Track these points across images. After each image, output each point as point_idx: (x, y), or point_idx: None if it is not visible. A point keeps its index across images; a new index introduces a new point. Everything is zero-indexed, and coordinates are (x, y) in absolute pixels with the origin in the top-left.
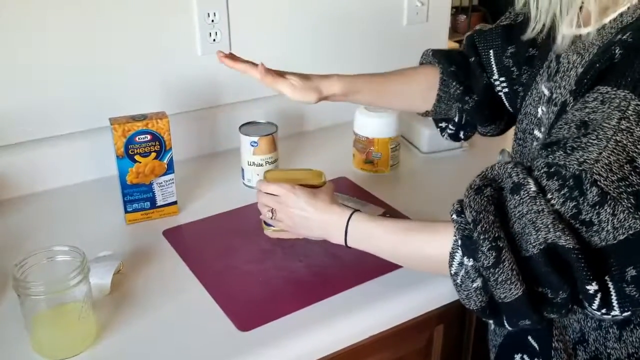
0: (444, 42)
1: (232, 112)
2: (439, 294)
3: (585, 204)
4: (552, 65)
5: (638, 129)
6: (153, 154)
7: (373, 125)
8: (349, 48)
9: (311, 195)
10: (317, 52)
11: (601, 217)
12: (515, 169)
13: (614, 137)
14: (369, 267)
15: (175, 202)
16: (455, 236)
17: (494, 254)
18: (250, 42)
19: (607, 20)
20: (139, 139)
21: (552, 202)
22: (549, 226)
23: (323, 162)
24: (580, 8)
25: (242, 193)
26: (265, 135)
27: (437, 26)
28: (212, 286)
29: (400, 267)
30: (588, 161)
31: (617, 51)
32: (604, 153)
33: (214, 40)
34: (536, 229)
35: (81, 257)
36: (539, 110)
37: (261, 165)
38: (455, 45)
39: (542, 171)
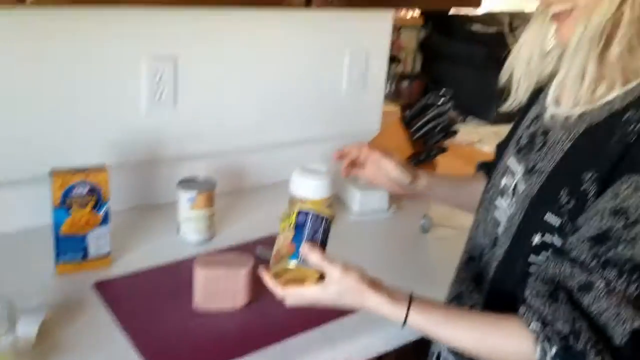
0: (378, 111)
1: (174, 167)
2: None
3: None
4: (523, 141)
5: None
6: (90, 206)
7: (308, 186)
8: (293, 113)
9: (360, 296)
10: (262, 115)
11: None
12: (574, 269)
13: None
14: (293, 323)
15: (108, 254)
16: (548, 350)
17: (599, 358)
18: (197, 104)
19: (598, 102)
20: (77, 190)
21: (620, 291)
22: (632, 315)
23: (260, 219)
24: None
25: (176, 247)
26: (203, 191)
27: (373, 95)
28: (140, 341)
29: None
30: (636, 248)
31: (632, 139)
32: None
33: (160, 97)
34: (622, 320)
35: (7, 306)
36: (502, 181)
37: (197, 220)
38: (395, 109)
39: (595, 264)
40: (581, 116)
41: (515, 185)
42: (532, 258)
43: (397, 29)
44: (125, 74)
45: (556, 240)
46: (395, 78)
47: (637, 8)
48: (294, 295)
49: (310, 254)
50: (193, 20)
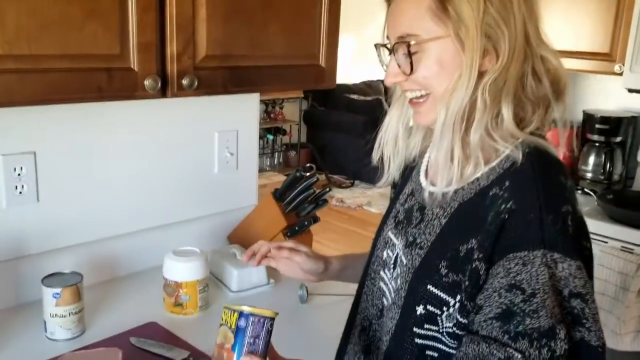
0: (253, 186)
1: (37, 263)
2: None
3: (552, 342)
4: (400, 215)
5: (558, 271)
6: None
7: (180, 269)
8: (166, 196)
9: None
10: (131, 202)
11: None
12: (491, 347)
13: (550, 290)
14: None
15: None
16: None
17: None
18: (61, 196)
19: (467, 180)
20: None
21: (534, 357)
22: None
23: (133, 307)
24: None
25: (43, 347)
26: (69, 285)
27: (246, 172)
28: None
29: None
30: (540, 318)
31: (506, 217)
32: (547, 304)
33: (20, 192)
34: None
35: None
36: (384, 253)
37: (64, 316)
38: (280, 179)
39: (507, 338)
40: (455, 192)
41: (396, 258)
42: (417, 329)
43: (280, 102)
44: None
45: (438, 312)
46: (282, 149)
47: (487, 95)
48: None
49: None
50: (49, 115)
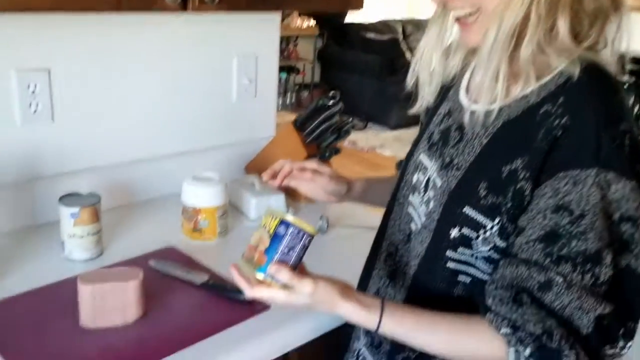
0: (272, 116)
1: (53, 184)
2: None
3: (597, 268)
4: (435, 137)
5: (610, 192)
6: None
7: (200, 194)
8: (183, 122)
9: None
10: (148, 126)
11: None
12: (531, 269)
13: (600, 212)
14: (188, 334)
15: None
16: (521, 352)
17: (573, 351)
18: (77, 116)
19: (514, 98)
20: None
21: (578, 283)
22: (593, 304)
23: (151, 231)
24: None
25: (62, 267)
26: (87, 205)
27: (265, 101)
28: None
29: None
30: (588, 241)
31: (559, 133)
32: (596, 226)
33: (35, 111)
34: (585, 311)
35: None
36: (414, 177)
37: (82, 236)
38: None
39: (548, 262)
40: (499, 111)
41: (428, 182)
42: (450, 253)
43: (294, 39)
44: None
45: (474, 235)
46: (295, 88)
47: (542, 8)
48: (263, 298)
49: (278, 275)
50: (65, 29)
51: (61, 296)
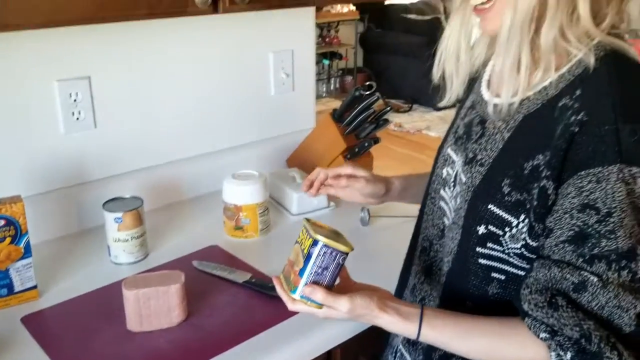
0: (311, 109)
1: (98, 189)
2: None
3: (633, 264)
4: (460, 130)
5: (637, 186)
6: (8, 239)
7: (240, 192)
8: (222, 120)
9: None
10: (189, 125)
11: None
12: (564, 271)
13: (628, 208)
14: (232, 334)
15: (34, 287)
16: (563, 356)
17: (615, 352)
18: (118, 121)
19: (535, 89)
20: None
21: (614, 281)
22: (632, 301)
23: (195, 231)
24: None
25: (108, 271)
26: (129, 210)
27: (303, 94)
28: None
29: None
30: (618, 239)
31: (576, 130)
32: (625, 223)
33: (77, 119)
34: (624, 309)
35: None
36: (444, 171)
37: (127, 240)
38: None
39: (581, 262)
40: (520, 103)
41: (456, 176)
42: (480, 249)
43: (335, 25)
44: (38, 98)
45: (500, 233)
46: (339, 74)
47: None
48: (304, 312)
49: (312, 296)
50: (102, 38)
51: (108, 300)
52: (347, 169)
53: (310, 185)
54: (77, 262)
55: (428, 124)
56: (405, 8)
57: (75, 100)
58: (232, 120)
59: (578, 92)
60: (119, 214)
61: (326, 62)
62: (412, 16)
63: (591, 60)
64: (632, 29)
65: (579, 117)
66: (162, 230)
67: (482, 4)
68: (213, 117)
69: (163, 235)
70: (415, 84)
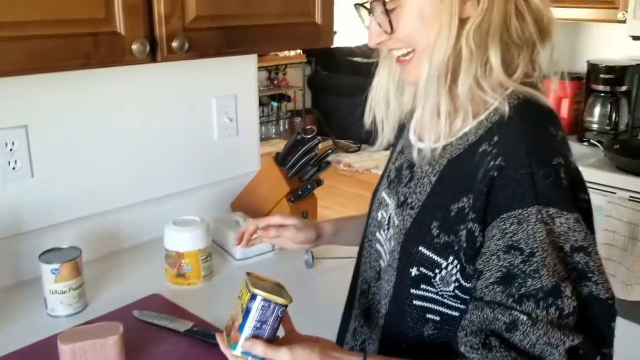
0: (255, 152)
1: (35, 239)
2: None
3: (559, 301)
4: (391, 174)
5: (556, 226)
6: None
7: (181, 239)
8: (165, 166)
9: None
10: (130, 173)
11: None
12: (495, 311)
13: (549, 247)
14: None
15: None
16: None
17: None
18: (57, 170)
19: (456, 135)
20: None
21: (543, 319)
22: (561, 337)
23: (136, 279)
24: None
25: (46, 325)
26: (67, 261)
27: (247, 138)
28: None
29: None
30: (542, 277)
31: (495, 174)
32: (547, 262)
33: (14, 168)
34: (554, 346)
35: None
36: (379, 214)
37: (64, 292)
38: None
39: (511, 302)
40: (444, 148)
41: (390, 219)
42: (413, 291)
43: (283, 68)
44: None
45: (431, 274)
46: (287, 115)
47: (472, 42)
48: None
49: (252, 351)
50: (39, 86)
51: (44, 356)
52: (277, 219)
53: (241, 239)
54: (13, 315)
55: (377, 163)
56: (351, 51)
57: (11, 150)
58: (174, 166)
59: (496, 139)
60: (56, 265)
61: (274, 104)
62: (358, 59)
63: (506, 109)
64: (557, 70)
65: (497, 162)
66: (102, 280)
67: (403, 55)
68: (155, 163)
69: (103, 285)
70: (362, 124)
